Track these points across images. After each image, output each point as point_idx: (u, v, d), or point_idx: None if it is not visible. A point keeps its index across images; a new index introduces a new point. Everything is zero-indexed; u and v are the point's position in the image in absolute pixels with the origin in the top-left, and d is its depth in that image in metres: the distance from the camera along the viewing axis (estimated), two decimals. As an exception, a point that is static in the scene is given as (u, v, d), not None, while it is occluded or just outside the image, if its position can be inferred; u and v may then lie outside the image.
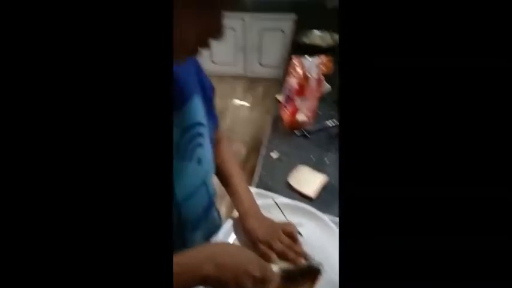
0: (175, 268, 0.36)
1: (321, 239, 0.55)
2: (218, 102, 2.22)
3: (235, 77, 3.11)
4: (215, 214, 0.58)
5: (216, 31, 0.31)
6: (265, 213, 0.58)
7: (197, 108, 0.44)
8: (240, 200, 0.55)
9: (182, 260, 0.37)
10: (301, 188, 0.68)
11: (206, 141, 0.46)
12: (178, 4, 0.26)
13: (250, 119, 2.44)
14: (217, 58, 3.05)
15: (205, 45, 0.32)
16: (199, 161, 0.44)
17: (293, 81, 0.83)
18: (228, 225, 0.56)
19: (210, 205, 0.51)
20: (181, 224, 0.45)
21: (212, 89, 0.53)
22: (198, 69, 0.48)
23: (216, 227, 0.57)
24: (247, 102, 2.67)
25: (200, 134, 0.44)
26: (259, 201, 0.61)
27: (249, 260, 0.39)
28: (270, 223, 0.53)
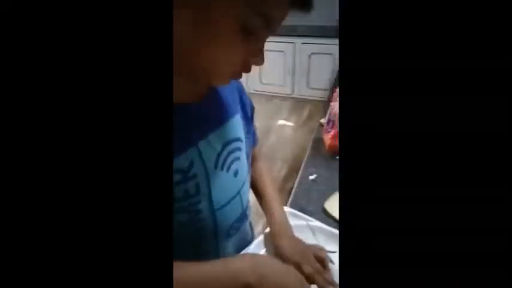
0: (217, 273, 0.39)
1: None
2: (264, 121, 2.32)
3: (283, 98, 3.19)
4: (248, 227, 0.60)
5: (258, 58, 0.34)
6: (297, 234, 0.58)
7: (237, 125, 0.48)
8: (273, 217, 0.56)
9: (225, 264, 0.39)
10: (336, 214, 0.66)
11: (243, 156, 0.50)
12: (226, 33, 0.30)
13: (294, 139, 2.45)
14: (267, 79, 3.18)
15: (248, 69, 0.35)
16: (235, 173, 0.47)
17: (336, 106, 0.83)
18: (259, 239, 0.58)
19: (243, 216, 0.54)
20: (216, 231, 0.48)
21: (252, 108, 0.56)
22: (240, 90, 0.52)
23: (247, 240, 0.59)
24: (292, 123, 2.70)
25: (238, 149, 0.48)
26: (292, 222, 0.62)
27: (291, 277, 0.40)
28: (302, 245, 0.53)
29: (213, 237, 0.47)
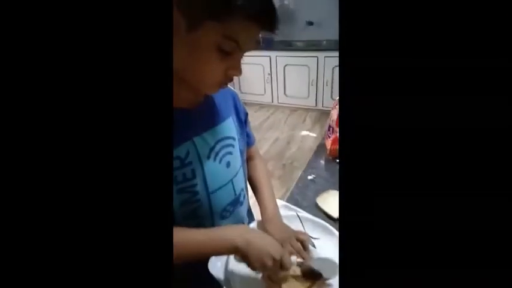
0: (207, 238, 0.50)
1: (332, 253, 0.60)
2: (287, 131, 2.43)
3: (307, 109, 3.26)
4: (243, 213, 0.70)
5: (236, 71, 0.45)
6: (288, 223, 0.67)
7: (230, 126, 0.59)
8: (264, 207, 0.66)
9: (216, 232, 0.50)
10: (326, 208, 0.74)
11: (236, 151, 0.60)
12: (208, 55, 0.40)
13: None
14: (291, 92, 3.28)
15: (229, 80, 0.47)
16: (228, 165, 0.58)
17: (335, 113, 0.91)
18: (252, 225, 0.68)
19: (236, 202, 0.64)
20: (212, 211, 0.59)
21: (246, 114, 0.68)
22: (235, 98, 0.64)
23: (241, 223, 0.69)
24: (315, 134, 2.75)
25: (231, 145, 0.59)
26: (284, 213, 0.71)
27: (273, 245, 0.49)
28: (287, 229, 0.62)
29: (209, 216, 0.58)
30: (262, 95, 3.42)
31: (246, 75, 3.36)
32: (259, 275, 0.55)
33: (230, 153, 0.59)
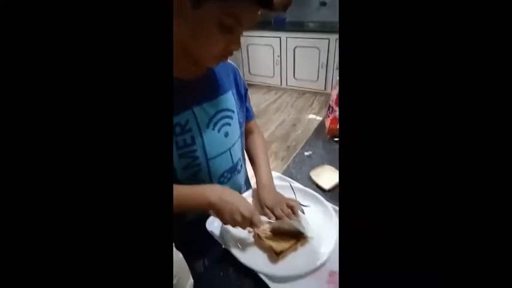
0: (190, 192, 0.55)
1: (320, 219, 0.66)
2: (294, 114, 2.46)
3: (315, 93, 3.24)
4: (240, 180, 0.75)
5: (235, 45, 0.48)
6: (280, 192, 0.73)
7: (230, 99, 0.63)
8: (259, 176, 0.71)
9: (197, 188, 0.55)
10: (318, 181, 0.78)
11: (235, 123, 0.65)
12: (209, 30, 0.44)
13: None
14: (300, 75, 3.25)
15: (229, 53, 0.50)
16: (226, 135, 0.63)
17: (334, 93, 0.94)
18: (248, 192, 0.74)
19: (233, 169, 0.69)
20: (211, 176, 0.64)
21: (245, 89, 0.71)
22: (236, 74, 0.68)
23: (239, 190, 0.74)
24: (321, 117, 2.76)
25: (229, 117, 0.63)
26: (278, 183, 0.76)
27: (244, 203, 0.55)
28: (278, 195, 0.67)
29: (209, 180, 0.64)
30: (271, 77, 3.41)
31: (255, 57, 3.34)
32: (251, 235, 0.62)
33: (228, 124, 0.63)
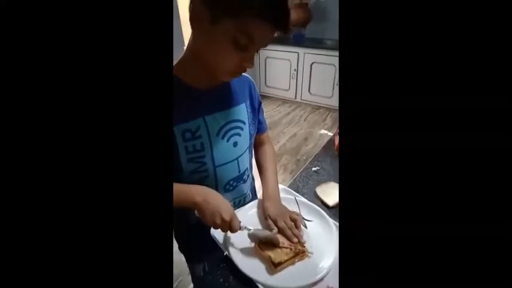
0: (178, 189, 0.56)
1: (321, 234, 0.66)
2: (306, 128, 2.47)
3: (329, 109, 3.25)
4: (247, 190, 0.76)
5: (249, 63, 0.51)
6: (285, 205, 0.74)
7: (242, 111, 0.65)
8: (266, 187, 0.73)
9: (186, 187, 0.57)
10: (323, 197, 0.79)
11: (245, 134, 0.67)
12: (224, 47, 0.46)
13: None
14: (315, 90, 3.28)
15: (242, 70, 0.53)
16: (235, 144, 0.65)
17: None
18: (254, 202, 0.76)
19: (240, 178, 0.71)
20: (217, 183, 0.66)
21: (259, 102, 0.74)
22: (251, 87, 0.70)
23: (244, 199, 0.76)
24: (332, 133, 2.76)
25: (240, 128, 0.65)
26: (283, 195, 0.77)
27: (226, 207, 0.56)
28: (283, 208, 0.69)
29: (215, 186, 0.66)
30: (287, 90, 3.46)
31: (272, 70, 3.40)
32: (252, 244, 0.63)
33: (238, 134, 0.66)
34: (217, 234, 0.65)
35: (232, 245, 0.62)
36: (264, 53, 3.31)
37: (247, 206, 0.74)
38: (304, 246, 0.60)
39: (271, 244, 0.60)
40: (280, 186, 0.83)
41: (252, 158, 0.76)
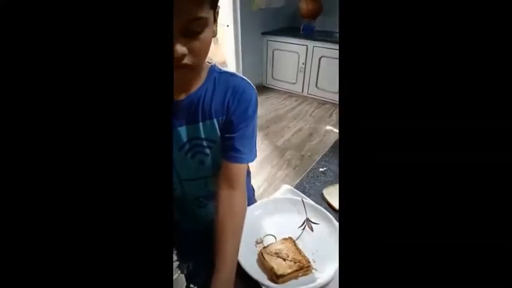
0: None
1: (327, 238, 0.66)
2: (312, 123, 2.44)
3: (335, 104, 3.21)
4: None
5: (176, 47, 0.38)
6: (292, 207, 0.73)
7: (210, 129, 0.53)
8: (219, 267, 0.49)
9: None
10: (330, 200, 0.78)
11: (214, 154, 0.56)
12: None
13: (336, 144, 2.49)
14: (322, 84, 3.23)
15: (178, 56, 0.39)
16: (201, 162, 0.57)
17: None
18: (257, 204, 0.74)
19: (210, 196, 0.63)
20: (186, 197, 0.62)
21: (244, 120, 0.54)
22: (230, 100, 0.52)
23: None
24: (337, 129, 2.73)
25: (207, 146, 0.55)
26: (289, 196, 0.77)
27: None
28: None
29: (185, 199, 0.62)
30: (293, 83, 3.41)
31: (279, 62, 3.35)
32: (257, 248, 0.62)
33: (205, 153, 0.56)
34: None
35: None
36: (271, 44, 3.25)
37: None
38: (309, 262, 0.59)
39: (276, 254, 0.59)
40: (287, 186, 0.82)
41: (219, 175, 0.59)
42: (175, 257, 0.84)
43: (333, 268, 0.58)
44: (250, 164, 0.63)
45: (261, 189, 1.82)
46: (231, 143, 0.54)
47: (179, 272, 1.35)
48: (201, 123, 0.53)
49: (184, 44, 0.38)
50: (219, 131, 0.55)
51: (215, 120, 0.54)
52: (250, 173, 0.77)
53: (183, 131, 0.53)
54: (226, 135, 0.54)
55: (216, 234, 0.52)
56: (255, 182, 1.12)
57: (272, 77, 3.52)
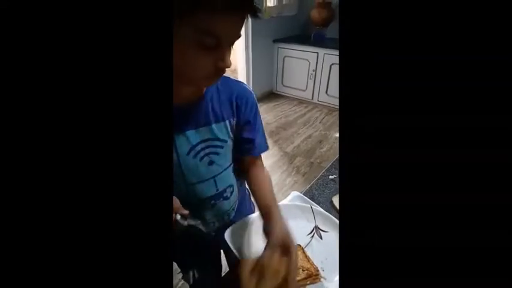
0: None
1: (336, 246, 0.65)
2: (321, 130, 2.43)
3: (346, 112, 3.18)
4: (225, 206, 0.68)
5: (224, 63, 0.43)
6: (301, 214, 0.73)
7: (222, 130, 0.58)
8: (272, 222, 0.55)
9: None
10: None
11: (224, 152, 0.60)
12: (190, 49, 0.39)
13: (347, 153, 2.46)
14: (333, 91, 3.22)
15: (219, 72, 0.45)
16: (210, 163, 0.59)
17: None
18: (255, 215, 0.69)
19: (219, 196, 0.65)
20: (191, 201, 0.61)
21: (253, 119, 0.62)
22: (238, 103, 0.59)
23: (228, 216, 0.71)
24: (350, 138, 2.71)
25: (217, 146, 0.58)
26: (298, 203, 0.76)
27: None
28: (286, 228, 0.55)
29: (190, 203, 0.60)
30: (304, 90, 3.41)
31: (290, 69, 3.37)
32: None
33: (216, 153, 0.60)
34: (231, 240, 0.65)
35: (248, 252, 0.62)
36: (282, 51, 3.28)
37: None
38: (318, 270, 0.58)
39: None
40: (296, 193, 0.82)
41: (234, 173, 0.67)
42: (179, 268, 0.82)
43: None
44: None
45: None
46: (248, 140, 0.62)
47: (182, 281, 1.35)
48: (214, 125, 0.57)
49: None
50: (231, 132, 0.60)
51: (227, 122, 0.59)
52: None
53: (192, 134, 0.55)
54: (244, 135, 0.61)
55: (262, 202, 0.60)
56: (264, 188, 1.12)
57: (282, 83, 3.53)
